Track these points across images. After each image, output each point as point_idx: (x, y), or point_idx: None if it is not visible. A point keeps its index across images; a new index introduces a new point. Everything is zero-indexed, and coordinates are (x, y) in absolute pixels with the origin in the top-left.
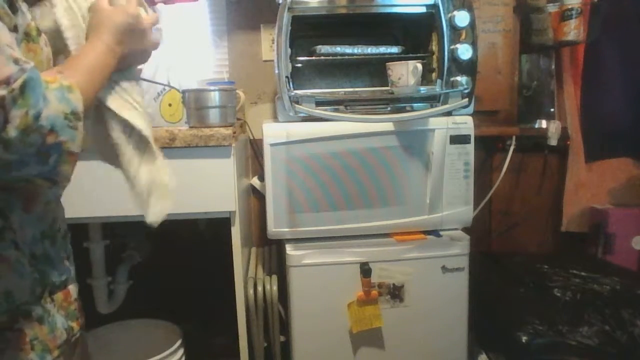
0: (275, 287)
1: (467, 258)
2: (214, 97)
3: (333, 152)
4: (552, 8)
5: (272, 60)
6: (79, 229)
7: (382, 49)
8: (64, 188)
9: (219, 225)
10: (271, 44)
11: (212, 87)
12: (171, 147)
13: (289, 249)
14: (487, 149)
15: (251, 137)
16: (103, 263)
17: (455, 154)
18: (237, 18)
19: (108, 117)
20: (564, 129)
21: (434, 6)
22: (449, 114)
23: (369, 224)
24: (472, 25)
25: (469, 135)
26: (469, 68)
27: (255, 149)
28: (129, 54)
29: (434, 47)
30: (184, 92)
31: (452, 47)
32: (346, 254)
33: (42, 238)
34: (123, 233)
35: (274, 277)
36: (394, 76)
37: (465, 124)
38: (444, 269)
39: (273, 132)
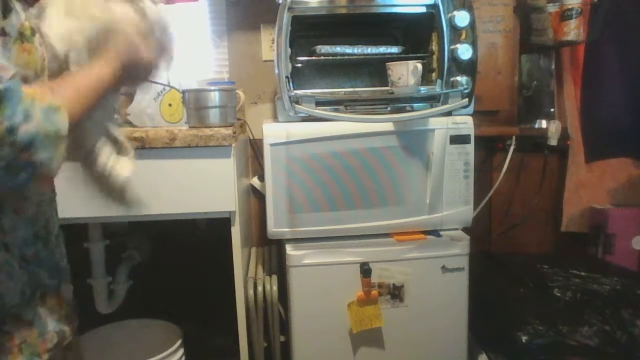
0: (275, 287)
1: (467, 258)
2: (214, 97)
3: (333, 152)
4: (552, 8)
5: (272, 60)
6: (79, 229)
7: (382, 49)
8: (51, 190)
9: (219, 225)
10: (271, 44)
11: (212, 87)
12: (171, 147)
13: (289, 249)
14: (487, 149)
15: (251, 137)
16: (103, 263)
17: (455, 154)
18: (237, 18)
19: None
20: (564, 129)
21: (434, 6)
22: (449, 114)
23: (369, 224)
24: (472, 25)
25: (469, 135)
26: (469, 68)
27: (255, 149)
28: (130, 78)
29: (434, 47)
30: (184, 92)
31: (452, 47)
32: (346, 254)
33: (34, 240)
34: (123, 233)
35: (274, 277)
36: (394, 76)
37: (465, 124)
38: (444, 269)
39: (273, 132)
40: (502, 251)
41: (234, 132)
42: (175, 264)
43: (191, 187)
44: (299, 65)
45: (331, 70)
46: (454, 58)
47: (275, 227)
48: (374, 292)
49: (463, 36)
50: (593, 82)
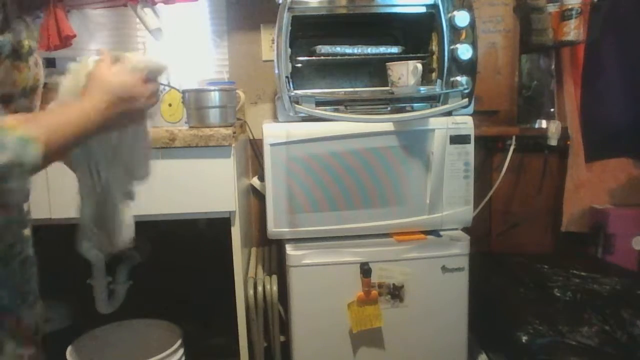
0: (275, 287)
1: (467, 258)
2: (214, 97)
3: (333, 152)
4: (552, 8)
5: (272, 60)
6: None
7: (382, 49)
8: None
9: (219, 225)
10: (271, 44)
11: (212, 87)
12: (171, 147)
13: (289, 249)
14: (487, 149)
15: (251, 137)
16: (103, 263)
17: (455, 154)
18: (237, 18)
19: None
20: (564, 129)
21: (434, 6)
22: (449, 114)
23: (369, 224)
24: (472, 25)
25: (469, 135)
26: (469, 68)
27: (255, 149)
28: (119, 117)
29: (434, 47)
30: (184, 92)
31: (452, 47)
32: (346, 254)
33: None
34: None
35: (274, 277)
36: (394, 76)
37: (465, 124)
38: (444, 269)
39: (273, 132)
40: (502, 251)
41: (234, 132)
42: (175, 264)
43: (191, 187)
44: (299, 65)
45: (331, 70)
46: (454, 58)
47: (275, 227)
48: (374, 292)
49: (463, 36)
50: (593, 82)
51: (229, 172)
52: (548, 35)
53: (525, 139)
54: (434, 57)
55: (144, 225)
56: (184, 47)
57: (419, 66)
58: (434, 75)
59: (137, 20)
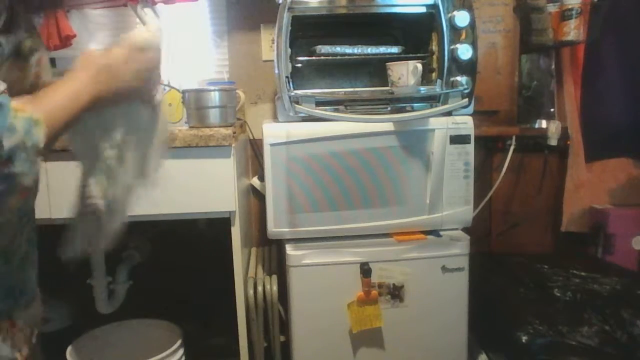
0: (275, 287)
1: (467, 258)
2: (214, 97)
3: (333, 152)
4: (552, 8)
5: (272, 60)
6: None
7: (382, 49)
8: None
9: (219, 225)
10: (271, 44)
11: (212, 87)
12: (171, 147)
13: (289, 249)
14: (487, 149)
15: (251, 137)
16: (103, 263)
17: (455, 154)
18: (237, 18)
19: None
20: (564, 129)
21: (434, 6)
22: (449, 114)
23: (369, 224)
24: (472, 25)
25: (469, 135)
26: (469, 68)
27: (255, 149)
28: (110, 92)
29: (434, 47)
30: (184, 92)
31: (452, 47)
32: (346, 254)
33: None
34: (123, 233)
35: (274, 277)
36: (394, 76)
37: (465, 124)
38: (444, 269)
39: (273, 132)
40: (502, 251)
41: (234, 132)
42: (175, 264)
43: (191, 187)
44: (299, 65)
45: (331, 70)
46: (454, 58)
47: (275, 227)
48: (374, 292)
49: (463, 36)
50: (593, 82)
51: (229, 172)
52: (548, 35)
53: (525, 139)
54: (434, 57)
55: (144, 225)
56: (184, 47)
57: (419, 66)
58: (434, 75)
59: (137, 20)
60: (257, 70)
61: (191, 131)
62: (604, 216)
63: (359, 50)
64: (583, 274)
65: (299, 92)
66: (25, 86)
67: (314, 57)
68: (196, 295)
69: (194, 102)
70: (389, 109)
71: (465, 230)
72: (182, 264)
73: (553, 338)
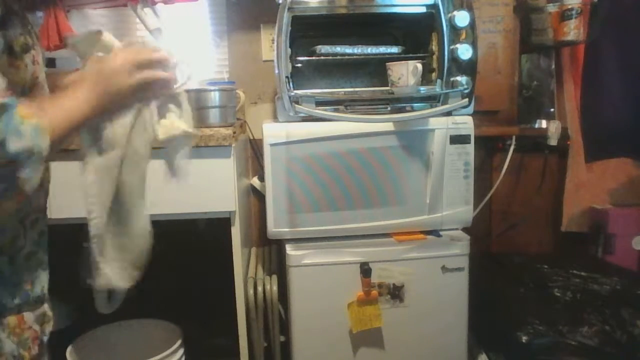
0: (275, 287)
1: (467, 258)
2: (214, 97)
3: (333, 152)
4: (552, 8)
5: (272, 60)
6: (80, 229)
7: (382, 49)
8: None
9: (219, 225)
10: (271, 44)
11: (212, 87)
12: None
13: (289, 249)
14: (487, 149)
15: (251, 137)
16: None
17: (455, 154)
18: (237, 18)
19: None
20: (564, 129)
21: (434, 6)
22: (449, 114)
23: (369, 224)
24: (472, 25)
25: (469, 135)
26: (469, 68)
27: (255, 149)
28: (109, 106)
29: (434, 47)
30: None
31: (452, 47)
32: (346, 254)
33: None
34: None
35: (274, 277)
36: (394, 76)
37: (465, 124)
38: (444, 269)
39: (273, 132)
40: (502, 251)
41: (234, 132)
42: (175, 264)
43: (191, 187)
44: (299, 65)
45: (331, 70)
46: (454, 58)
47: (275, 227)
48: (374, 292)
49: (463, 36)
50: (593, 82)
51: (229, 172)
52: (548, 35)
53: (525, 139)
54: (434, 57)
55: None
56: (184, 47)
57: (419, 66)
58: (434, 75)
59: (137, 20)
60: (257, 70)
61: None
62: (604, 216)
63: (359, 50)
64: (583, 274)
65: (299, 92)
66: (19, 84)
67: (314, 57)
68: (196, 295)
69: (194, 102)
70: (389, 109)
71: (465, 230)
72: (182, 263)
73: (553, 338)
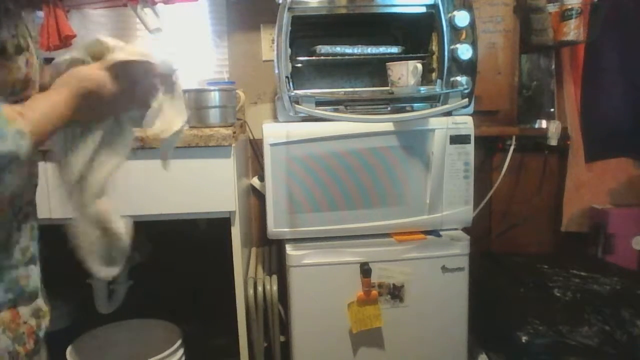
0: (275, 287)
1: (467, 258)
2: (214, 97)
3: (333, 152)
4: (552, 8)
5: (272, 60)
6: None
7: (382, 49)
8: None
9: (219, 225)
10: (271, 44)
11: (212, 87)
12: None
13: (289, 249)
14: (487, 149)
15: (251, 137)
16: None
17: (455, 154)
18: (237, 18)
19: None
20: (564, 129)
21: (434, 6)
22: (449, 114)
23: (369, 224)
24: (472, 25)
25: (469, 135)
26: (469, 68)
27: (255, 149)
28: (90, 109)
29: (434, 47)
30: (184, 92)
31: (452, 47)
32: (346, 254)
33: None
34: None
35: (274, 277)
36: (394, 76)
37: (465, 124)
38: (444, 269)
39: (273, 132)
40: (502, 251)
41: (234, 132)
42: (175, 264)
43: (191, 187)
44: (299, 65)
45: (331, 70)
46: (454, 58)
47: (275, 227)
48: (374, 292)
49: (463, 36)
50: (593, 82)
51: (229, 172)
52: (548, 35)
53: (525, 139)
54: (434, 57)
55: (144, 225)
56: (184, 47)
57: (419, 66)
58: (434, 75)
59: (137, 20)
60: (257, 70)
61: (191, 131)
62: (604, 216)
63: (359, 50)
64: (583, 274)
65: (299, 92)
66: (9, 85)
67: (314, 57)
68: (196, 295)
69: (194, 102)
70: (389, 109)
71: (465, 230)
72: (182, 263)
73: (553, 338)
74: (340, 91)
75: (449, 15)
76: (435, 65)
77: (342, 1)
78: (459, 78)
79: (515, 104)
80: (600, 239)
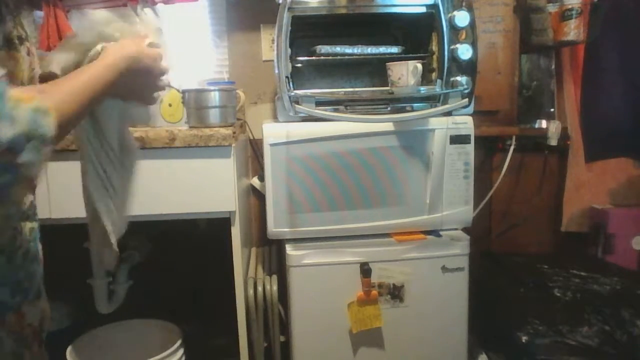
0: (275, 287)
1: (467, 258)
2: (214, 97)
3: (333, 152)
4: (552, 8)
5: (272, 60)
6: (80, 229)
7: (382, 49)
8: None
9: (219, 225)
10: (271, 44)
11: (212, 87)
12: (171, 147)
13: (289, 249)
14: (487, 149)
15: (251, 137)
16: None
17: (455, 154)
18: (237, 18)
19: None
20: (564, 129)
21: (434, 6)
22: (449, 114)
23: (369, 224)
24: (472, 25)
25: (469, 135)
26: (469, 68)
27: (255, 149)
28: (128, 86)
29: (434, 47)
30: (184, 92)
31: (452, 47)
32: (346, 254)
33: None
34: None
35: (274, 277)
36: (394, 76)
37: (465, 124)
38: (444, 269)
39: (273, 132)
40: (502, 251)
41: (234, 132)
42: (175, 264)
43: (191, 187)
44: (299, 65)
45: (331, 70)
46: (454, 58)
47: (275, 227)
48: (374, 292)
49: (463, 36)
50: (593, 82)
51: (229, 172)
52: (548, 35)
53: (525, 139)
54: (434, 57)
55: (144, 225)
56: (184, 47)
57: (419, 66)
58: (434, 75)
59: (137, 20)
60: (257, 70)
61: (191, 131)
62: (604, 216)
63: (359, 50)
64: (583, 274)
65: (299, 92)
66: (19, 77)
67: (314, 57)
68: (196, 295)
69: (194, 102)
70: (389, 109)
71: (465, 230)
72: (182, 263)
73: (553, 338)
74: (340, 91)
75: (449, 15)
76: (435, 65)
77: (342, 1)
78: (459, 78)
79: (515, 104)
80: (600, 239)
